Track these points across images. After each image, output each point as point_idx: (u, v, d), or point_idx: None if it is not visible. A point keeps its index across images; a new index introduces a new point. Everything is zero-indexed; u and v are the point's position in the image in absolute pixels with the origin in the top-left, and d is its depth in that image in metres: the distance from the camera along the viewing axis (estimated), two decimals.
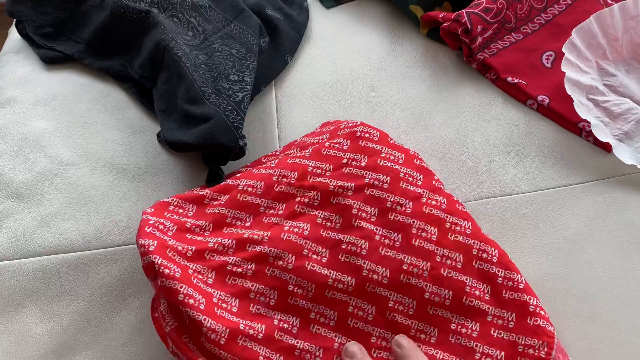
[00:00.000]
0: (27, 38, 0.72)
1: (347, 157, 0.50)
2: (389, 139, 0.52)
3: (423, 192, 0.48)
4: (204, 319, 0.40)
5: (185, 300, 0.40)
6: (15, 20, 0.73)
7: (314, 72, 0.66)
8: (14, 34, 0.75)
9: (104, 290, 0.49)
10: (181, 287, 0.41)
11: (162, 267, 0.41)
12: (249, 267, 0.44)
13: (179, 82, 0.59)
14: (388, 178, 0.48)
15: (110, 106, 0.64)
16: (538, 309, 0.43)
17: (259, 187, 0.49)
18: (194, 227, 0.46)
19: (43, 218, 0.54)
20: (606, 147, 0.55)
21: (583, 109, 0.53)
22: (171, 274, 0.41)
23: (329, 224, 0.46)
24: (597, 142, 0.55)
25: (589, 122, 0.54)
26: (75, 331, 0.47)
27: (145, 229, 0.44)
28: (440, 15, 0.64)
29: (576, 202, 0.52)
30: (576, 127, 0.56)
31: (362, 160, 0.49)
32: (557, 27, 0.65)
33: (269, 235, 0.45)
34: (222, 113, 0.56)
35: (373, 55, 0.67)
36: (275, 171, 0.49)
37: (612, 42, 0.60)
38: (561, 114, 0.57)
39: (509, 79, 0.61)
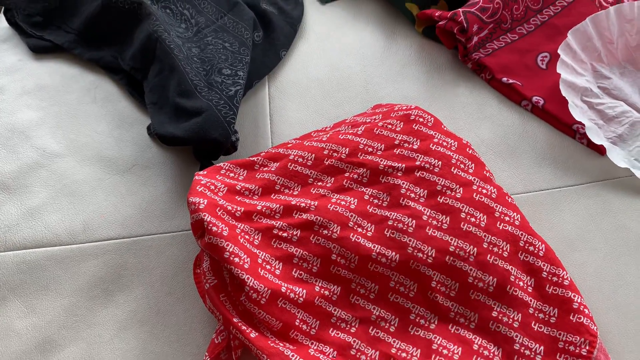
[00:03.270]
0: (15, 27, 0.70)
1: (400, 138, 0.50)
2: (442, 126, 0.53)
3: (474, 179, 0.48)
4: (247, 278, 0.40)
5: (231, 258, 0.41)
6: (3, 8, 0.72)
7: (308, 68, 0.65)
8: (1, 22, 0.74)
9: (90, 285, 0.48)
10: (227, 245, 0.41)
11: (210, 225, 0.42)
12: (295, 232, 0.45)
13: (170, 75, 0.58)
14: (440, 162, 0.48)
15: (100, 98, 0.63)
16: (582, 307, 0.42)
17: (309, 158, 0.49)
18: (243, 190, 0.47)
19: (29, 210, 0.53)
20: (600, 150, 0.54)
21: (577, 111, 0.53)
22: (219, 231, 0.42)
23: (376, 201, 0.47)
24: (590, 145, 0.55)
25: (583, 125, 0.54)
26: (59, 326, 0.46)
27: (197, 188, 0.45)
28: (437, 14, 0.63)
29: (569, 204, 0.51)
30: (570, 129, 0.56)
31: (415, 143, 0.50)
32: (553, 28, 0.65)
33: (316, 204, 0.46)
34: (215, 107, 0.55)
35: (368, 52, 0.66)
36: (326, 145, 0.50)
37: (608, 45, 0.60)
38: (555, 116, 0.57)
39: (504, 79, 0.60)
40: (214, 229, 0.42)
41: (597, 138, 0.52)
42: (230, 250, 0.41)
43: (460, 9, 0.61)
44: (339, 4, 0.73)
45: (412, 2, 0.67)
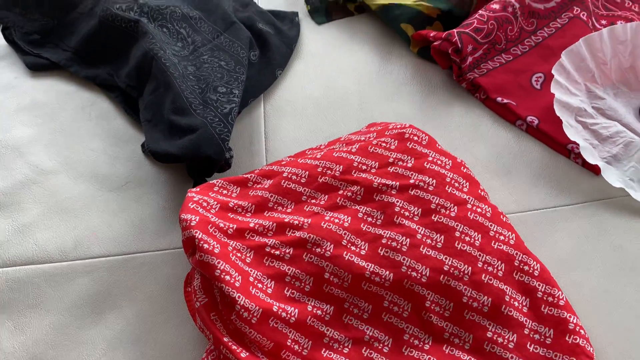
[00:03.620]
0: (13, 44, 0.71)
1: (394, 156, 0.50)
2: (437, 144, 0.52)
3: (468, 198, 0.48)
4: (238, 297, 0.40)
5: (222, 276, 0.40)
6: (1, 26, 0.72)
7: (304, 87, 0.65)
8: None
9: (80, 303, 0.48)
10: (218, 262, 0.41)
11: (201, 242, 0.42)
12: (287, 250, 0.44)
13: (165, 92, 0.58)
14: (434, 181, 0.48)
15: (95, 115, 0.63)
16: (578, 327, 0.42)
17: (303, 175, 0.49)
18: (236, 207, 0.47)
19: (20, 227, 0.52)
20: (594, 170, 0.54)
21: (572, 131, 0.53)
22: (210, 249, 0.41)
23: (370, 219, 0.47)
24: (585, 164, 0.55)
25: (578, 144, 0.54)
26: (48, 345, 0.45)
27: (189, 205, 0.45)
28: (431, 34, 0.64)
29: (565, 224, 0.51)
30: (565, 148, 0.56)
31: (409, 162, 0.50)
32: (547, 49, 0.65)
33: (309, 222, 0.45)
34: (209, 124, 0.55)
35: (363, 72, 0.67)
36: (320, 162, 0.50)
37: (601, 66, 0.60)
38: (550, 136, 0.57)
39: (499, 99, 0.60)
40: (205, 246, 0.42)
41: (591, 158, 0.52)
42: (222, 268, 0.41)
43: (454, 30, 0.61)
44: (334, 24, 0.74)
45: (407, 23, 0.68)
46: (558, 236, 0.50)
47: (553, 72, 0.57)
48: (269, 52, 0.67)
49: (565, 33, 0.66)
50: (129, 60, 0.64)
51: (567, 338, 0.41)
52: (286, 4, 0.78)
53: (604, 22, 0.69)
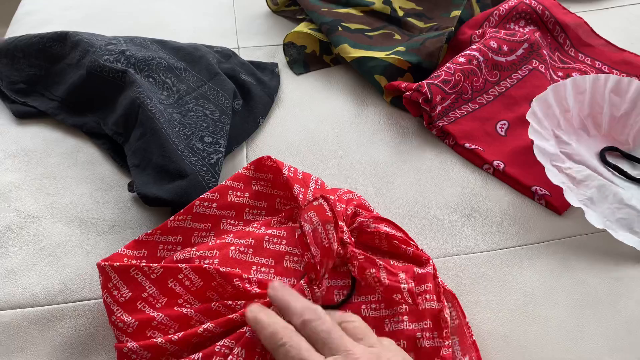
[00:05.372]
0: None
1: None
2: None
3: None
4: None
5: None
6: None
7: (285, 133, 0.69)
8: None
9: (66, 347, 0.48)
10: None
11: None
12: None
13: (152, 138, 0.61)
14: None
15: (81, 161, 0.64)
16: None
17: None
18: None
19: (5, 271, 0.53)
20: (557, 210, 0.58)
21: (551, 174, 0.56)
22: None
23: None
24: (548, 206, 0.59)
25: (542, 187, 0.58)
26: None
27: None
28: (403, 85, 0.68)
29: (531, 262, 0.54)
30: (529, 190, 0.60)
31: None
32: (510, 98, 0.70)
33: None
34: (198, 172, 0.57)
35: (340, 119, 0.70)
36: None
37: (565, 114, 0.65)
38: (515, 179, 0.61)
39: (467, 144, 0.65)
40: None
41: (574, 201, 0.55)
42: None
43: (424, 81, 0.66)
44: (312, 75, 0.78)
45: (381, 74, 0.72)
46: (526, 273, 0.54)
47: (527, 118, 0.61)
48: (251, 102, 0.71)
49: (526, 84, 0.71)
50: (116, 108, 0.67)
51: None
52: (266, 56, 0.82)
53: (560, 73, 0.75)
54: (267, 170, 0.56)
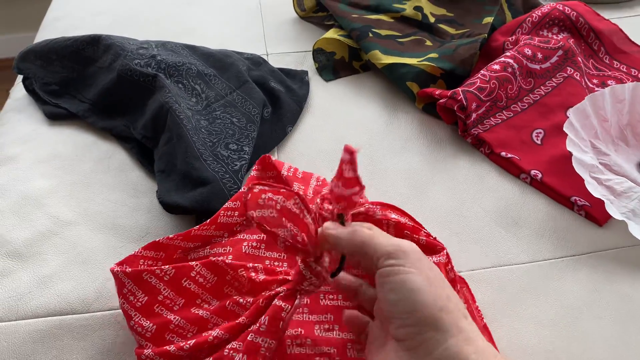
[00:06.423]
0: (32, 93, 0.73)
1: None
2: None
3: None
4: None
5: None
6: (22, 76, 0.75)
7: (314, 140, 0.68)
8: (15, 93, 0.76)
9: (102, 356, 0.48)
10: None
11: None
12: None
13: (178, 143, 0.60)
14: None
15: (113, 167, 0.64)
16: None
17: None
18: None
19: (41, 278, 0.53)
20: (598, 221, 0.57)
21: (592, 187, 0.55)
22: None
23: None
24: (588, 216, 0.58)
25: (581, 197, 0.57)
26: None
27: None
28: (437, 92, 0.68)
29: (573, 274, 0.53)
30: (569, 201, 0.59)
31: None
32: (545, 106, 0.69)
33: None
34: (220, 180, 0.57)
35: (371, 126, 0.70)
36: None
37: (602, 123, 0.64)
38: (554, 189, 0.60)
39: (503, 153, 0.64)
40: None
41: (616, 213, 0.53)
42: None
43: (459, 89, 0.65)
44: (341, 81, 0.78)
45: (412, 81, 0.71)
46: (568, 286, 0.52)
47: (565, 129, 0.60)
48: (280, 110, 0.70)
49: (561, 91, 0.70)
50: (146, 112, 0.67)
51: None
52: (295, 62, 0.81)
53: (595, 81, 0.74)
54: (271, 168, 0.58)
